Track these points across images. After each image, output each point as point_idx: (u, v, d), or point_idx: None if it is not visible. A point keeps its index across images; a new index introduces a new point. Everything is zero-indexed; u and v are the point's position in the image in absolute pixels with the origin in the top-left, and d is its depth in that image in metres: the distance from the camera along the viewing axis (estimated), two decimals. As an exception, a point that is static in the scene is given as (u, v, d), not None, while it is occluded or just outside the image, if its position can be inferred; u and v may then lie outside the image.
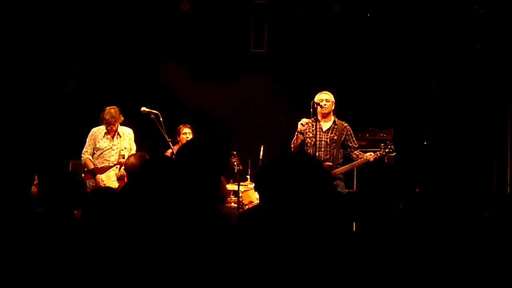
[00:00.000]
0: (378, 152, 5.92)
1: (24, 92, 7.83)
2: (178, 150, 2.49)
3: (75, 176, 2.82)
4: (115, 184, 6.42)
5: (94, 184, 6.38)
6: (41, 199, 3.49)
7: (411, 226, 2.56)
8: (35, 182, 4.31)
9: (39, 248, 2.52)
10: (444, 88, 8.22)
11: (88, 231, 2.58)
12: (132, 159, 4.31)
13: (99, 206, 2.84)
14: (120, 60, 8.24)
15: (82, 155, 6.53)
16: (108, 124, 6.39)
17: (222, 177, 2.79)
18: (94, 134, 6.52)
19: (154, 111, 6.33)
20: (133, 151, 6.51)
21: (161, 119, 6.25)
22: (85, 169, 6.54)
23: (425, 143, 8.09)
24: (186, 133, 7.08)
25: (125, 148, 6.52)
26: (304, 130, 5.92)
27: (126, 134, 6.55)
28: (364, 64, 8.30)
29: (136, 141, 6.67)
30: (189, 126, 7.16)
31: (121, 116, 6.46)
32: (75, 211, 3.25)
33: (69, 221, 2.62)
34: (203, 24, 8.24)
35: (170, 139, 6.39)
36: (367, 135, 7.65)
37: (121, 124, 6.52)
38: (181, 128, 7.10)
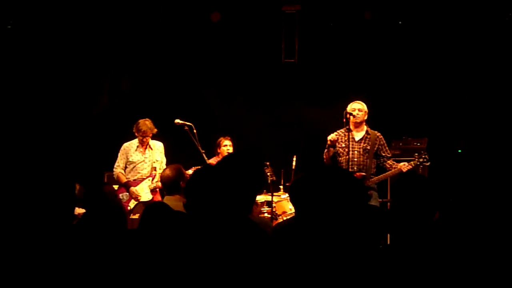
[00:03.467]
0: (412, 162, 5.86)
1: (60, 107, 8.02)
2: (217, 164, 2.55)
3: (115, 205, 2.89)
4: (148, 196, 6.52)
5: (128, 198, 6.49)
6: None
7: (447, 237, 2.55)
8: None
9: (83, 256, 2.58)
10: (479, 96, 8.10)
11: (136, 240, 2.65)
12: (167, 172, 4.39)
13: (154, 220, 2.93)
14: (152, 72, 8.36)
15: (114, 169, 6.64)
16: (144, 135, 6.51)
17: None
18: (126, 148, 6.64)
19: (188, 123, 6.41)
20: (164, 164, 6.61)
21: (194, 131, 6.32)
22: (119, 182, 6.65)
23: (459, 151, 7.98)
24: (227, 145, 6.98)
25: (157, 161, 6.63)
26: (336, 141, 5.90)
27: (157, 147, 6.66)
28: (396, 72, 8.23)
29: (170, 153, 6.75)
30: (229, 138, 7.05)
31: (154, 128, 6.58)
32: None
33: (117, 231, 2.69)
34: (234, 34, 8.31)
35: (204, 151, 6.43)
36: (401, 144, 7.56)
37: (153, 137, 6.63)
38: (221, 140, 7.02)
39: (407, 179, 2.69)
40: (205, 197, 2.29)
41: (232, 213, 2.29)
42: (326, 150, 5.98)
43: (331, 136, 5.91)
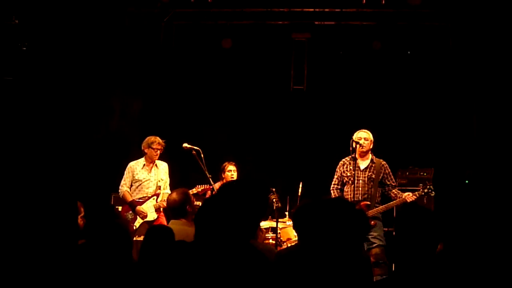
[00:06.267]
0: (417, 193, 5.86)
1: (69, 128, 8.08)
2: (219, 190, 2.58)
3: (121, 227, 2.92)
4: (153, 216, 6.57)
5: (132, 217, 6.54)
6: (87, 231, 3.61)
7: (449, 269, 2.56)
8: (81, 214, 4.45)
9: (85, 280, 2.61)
10: (487, 126, 8.09)
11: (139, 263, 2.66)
12: (174, 195, 4.43)
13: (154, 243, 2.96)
14: (162, 96, 8.46)
15: (121, 187, 6.69)
16: (156, 150, 6.56)
17: None
18: (132, 167, 6.70)
19: (196, 148, 6.46)
20: (168, 183, 6.68)
21: (202, 155, 6.37)
22: (124, 201, 6.70)
23: (467, 181, 7.95)
24: (231, 171, 7.07)
25: (162, 180, 6.68)
26: (341, 174, 5.97)
27: (162, 167, 6.73)
28: (404, 102, 8.27)
29: (177, 176, 6.80)
30: (234, 163, 7.14)
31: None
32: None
33: (119, 255, 2.71)
34: (245, 61, 8.41)
35: (210, 176, 6.48)
36: (407, 173, 7.53)
37: (158, 158, 6.70)
38: (226, 165, 7.11)
39: (409, 210, 2.72)
40: (210, 226, 2.30)
41: (234, 240, 2.31)
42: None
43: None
